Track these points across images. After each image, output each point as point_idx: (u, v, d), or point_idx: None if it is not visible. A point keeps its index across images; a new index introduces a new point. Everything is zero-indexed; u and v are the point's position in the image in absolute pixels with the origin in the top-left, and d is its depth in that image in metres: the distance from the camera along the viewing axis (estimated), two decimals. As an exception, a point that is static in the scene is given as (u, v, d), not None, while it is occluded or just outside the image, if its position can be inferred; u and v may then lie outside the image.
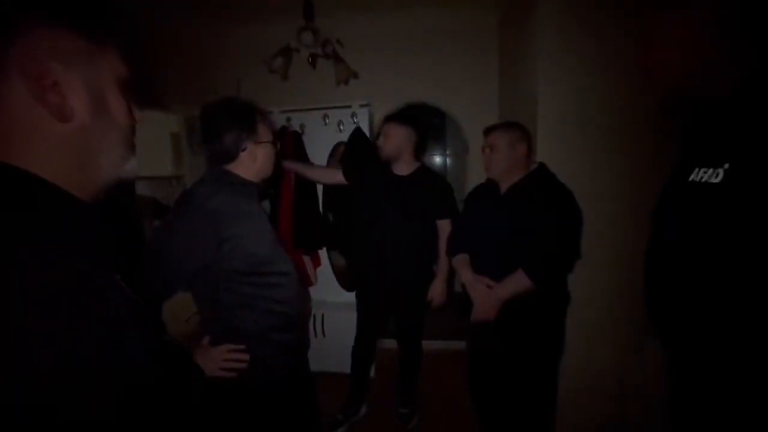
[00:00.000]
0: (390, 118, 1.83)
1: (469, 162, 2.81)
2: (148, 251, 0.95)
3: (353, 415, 2.01)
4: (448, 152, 4.45)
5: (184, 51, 2.59)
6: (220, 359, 0.97)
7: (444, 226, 1.79)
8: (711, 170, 0.74)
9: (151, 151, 3.13)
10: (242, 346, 0.98)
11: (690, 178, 0.79)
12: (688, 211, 0.81)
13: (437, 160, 4.53)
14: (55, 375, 0.32)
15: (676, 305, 0.83)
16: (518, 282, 1.34)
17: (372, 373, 2.23)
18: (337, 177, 1.96)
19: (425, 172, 1.84)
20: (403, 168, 1.82)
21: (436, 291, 1.82)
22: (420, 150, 1.89)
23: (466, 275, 1.51)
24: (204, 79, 2.69)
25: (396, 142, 1.76)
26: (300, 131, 2.43)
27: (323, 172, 2.15)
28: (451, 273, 1.82)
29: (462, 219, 1.67)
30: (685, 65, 0.78)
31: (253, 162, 1.06)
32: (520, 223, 1.38)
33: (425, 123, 3.79)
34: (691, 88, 0.80)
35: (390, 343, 2.32)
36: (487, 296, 1.40)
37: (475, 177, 2.51)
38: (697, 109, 0.87)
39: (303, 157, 2.39)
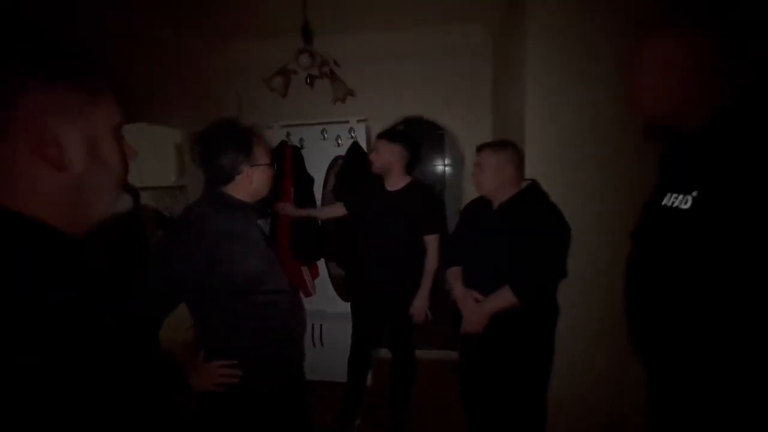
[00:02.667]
0: (380, 135, 1.90)
1: (465, 174, 2.87)
2: (146, 270, 0.99)
3: (348, 424, 2.05)
4: (447, 162, 4.51)
5: (189, 69, 2.68)
6: (213, 375, 1.00)
7: (431, 242, 1.84)
8: (681, 196, 0.79)
9: (155, 163, 3.22)
10: (235, 362, 1.02)
11: (663, 202, 0.84)
12: (661, 234, 0.85)
13: (437, 169, 4.58)
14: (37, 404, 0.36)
15: (651, 324, 0.87)
16: (504, 298, 1.38)
17: (369, 382, 2.26)
18: (340, 210, 2.11)
19: (415, 187, 1.89)
20: (394, 183, 1.87)
21: (417, 308, 1.84)
22: (411, 166, 1.94)
23: (456, 288, 1.55)
24: (207, 95, 2.78)
25: (385, 158, 1.83)
26: (299, 145, 2.50)
27: (329, 210, 2.26)
28: (438, 284, 1.87)
29: (456, 231, 1.71)
30: (661, 95, 0.83)
31: (249, 183, 1.08)
32: (509, 240, 1.41)
33: (424, 135, 3.88)
34: (666, 116, 0.85)
35: (387, 353, 2.35)
36: (474, 310, 1.43)
37: (472, 188, 2.55)
38: (673, 136, 0.92)
39: (302, 171, 2.46)
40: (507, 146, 1.49)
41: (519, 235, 1.39)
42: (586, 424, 1.76)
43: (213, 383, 1.00)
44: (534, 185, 1.50)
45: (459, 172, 3.80)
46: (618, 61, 1.49)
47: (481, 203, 1.61)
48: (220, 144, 1.05)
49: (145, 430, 0.49)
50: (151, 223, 2.96)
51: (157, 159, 3.20)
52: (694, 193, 0.75)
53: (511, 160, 1.45)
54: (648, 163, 1.55)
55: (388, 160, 1.83)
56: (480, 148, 1.51)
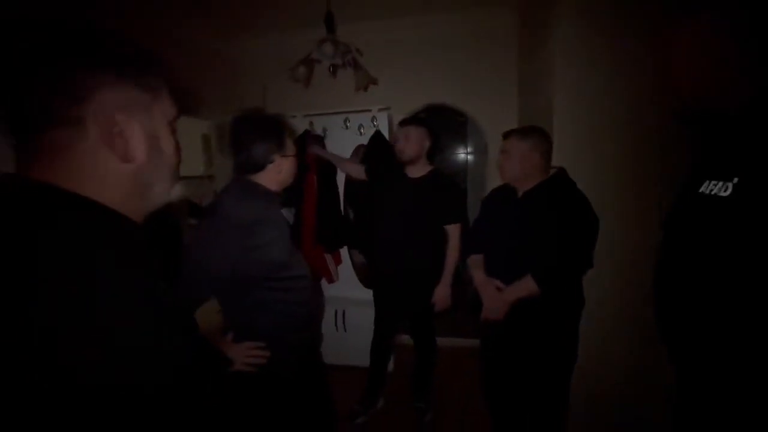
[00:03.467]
0: (408, 121, 1.89)
1: (488, 162, 2.82)
2: (185, 258, 1.03)
3: (371, 407, 2.11)
4: (469, 150, 4.44)
5: (215, 61, 2.75)
6: (242, 355, 1.06)
7: (452, 231, 1.83)
8: (721, 183, 0.75)
9: (185, 153, 3.33)
10: (262, 344, 1.07)
11: (700, 190, 0.80)
12: (697, 223, 0.82)
13: (459, 158, 4.52)
14: (126, 357, 0.41)
15: (683, 316, 0.84)
16: (526, 287, 1.37)
17: (390, 367, 2.31)
18: (362, 174, 2.11)
19: (437, 175, 1.88)
20: (416, 171, 1.87)
21: (439, 296, 1.85)
22: (433, 153, 1.93)
23: (477, 276, 1.54)
24: (233, 87, 2.84)
25: (418, 143, 1.82)
26: (322, 134, 2.53)
27: (352, 166, 2.27)
28: (459, 274, 1.87)
29: (478, 219, 1.69)
30: (699, 77, 0.79)
31: (278, 173, 1.13)
32: (533, 229, 1.40)
33: (447, 122, 3.83)
34: (704, 99, 0.81)
35: (409, 339, 2.39)
36: (495, 297, 1.43)
37: (495, 176, 2.50)
38: (710, 121, 0.87)
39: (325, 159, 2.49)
40: (534, 133, 1.45)
41: (543, 223, 1.36)
42: (604, 417, 1.74)
43: (242, 363, 1.06)
44: (561, 173, 1.46)
45: (481, 160, 3.74)
46: (653, 42, 1.42)
47: (505, 191, 1.58)
48: (254, 134, 1.09)
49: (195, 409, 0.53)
50: (184, 211, 3.09)
51: (186, 150, 3.30)
52: (735, 180, 0.71)
53: (538, 148, 1.42)
54: (684, 148, 1.49)
55: (421, 146, 1.82)
56: (506, 135, 1.49)
